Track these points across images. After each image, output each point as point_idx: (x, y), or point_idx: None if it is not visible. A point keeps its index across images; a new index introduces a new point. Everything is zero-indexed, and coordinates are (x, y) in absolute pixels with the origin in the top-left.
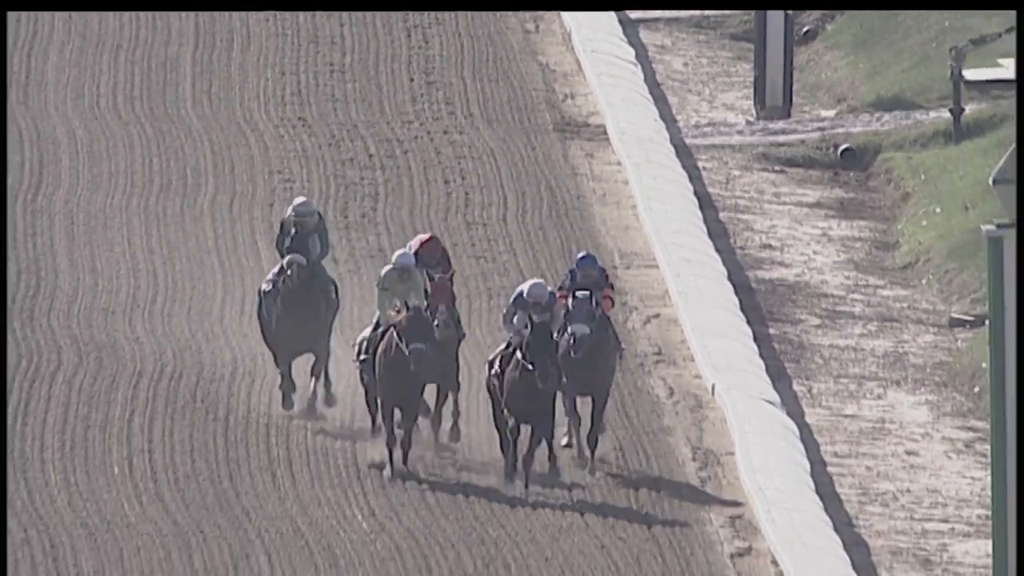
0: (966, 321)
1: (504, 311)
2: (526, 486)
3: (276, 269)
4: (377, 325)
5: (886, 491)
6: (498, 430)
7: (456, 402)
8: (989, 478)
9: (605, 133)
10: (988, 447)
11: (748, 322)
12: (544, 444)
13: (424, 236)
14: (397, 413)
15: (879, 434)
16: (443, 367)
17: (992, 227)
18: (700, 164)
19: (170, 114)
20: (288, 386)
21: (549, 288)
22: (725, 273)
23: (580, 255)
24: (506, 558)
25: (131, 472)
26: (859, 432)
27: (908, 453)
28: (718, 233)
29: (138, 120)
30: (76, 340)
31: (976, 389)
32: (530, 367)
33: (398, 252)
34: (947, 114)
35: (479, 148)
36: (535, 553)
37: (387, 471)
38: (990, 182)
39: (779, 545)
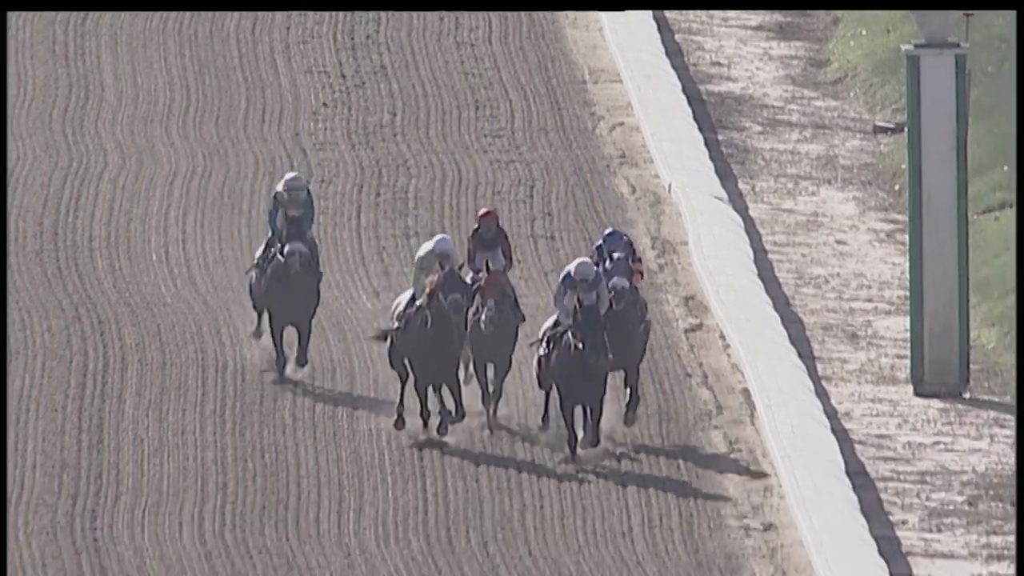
0: (888, 128)
1: (554, 291)
2: (572, 458)
3: (265, 243)
4: (412, 300)
5: (818, 275)
6: (545, 406)
7: (502, 382)
8: (907, 264)
9: None
10: (907, 237)
11: (700, 129)
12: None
13: (483, 211)
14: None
15: (813, 226)
16: (498, 350)
17: (910, 47)
18: None
19: None
20: (282, 359)
21: (595, 268)
22: (680, 87)
23: (608, 231)
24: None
25: (167, 259)
26: (795, 224)
27: (838, 242)
28: (674, 52)
29: None
30: (120, 145)
31: (896, 187)
32: (580, 346)
33: (438, 236)
34: None
35: None
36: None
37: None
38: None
39: (726, 321)
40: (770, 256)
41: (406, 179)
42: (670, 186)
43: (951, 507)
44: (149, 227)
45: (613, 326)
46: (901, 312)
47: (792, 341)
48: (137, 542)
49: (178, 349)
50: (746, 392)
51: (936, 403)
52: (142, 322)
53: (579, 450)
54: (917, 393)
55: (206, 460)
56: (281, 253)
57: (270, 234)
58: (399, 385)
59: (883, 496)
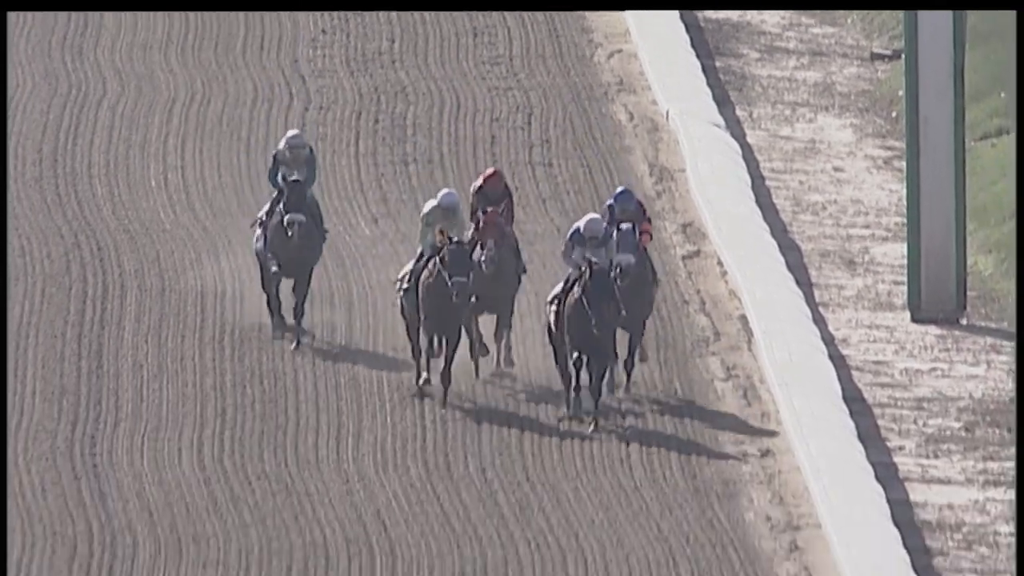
0: (885, 55)
1: (563, 247)
2: (590, 411)
3: (269, 203)
4: (419, 258)
5: (816, 202)
6: (557, 362)
7: (508, 335)
8: (904, 190)
9: None
10: (904, 163)
11: (697, 56)
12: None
13: (489, 171)
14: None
15: (810, 153)
16: (498, 298)
17: None
18: None
19: None
20: (277, 304)
21: (604, 223)
22: (677, 13)
23: (619, 190)
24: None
25: (166, 185)
26: (793, 151)
27: (835, 169)
28: None
29: None
30: (119, 72)
31: (893, 114)
32: (587, 310)
33: (444, 191)
34: None
35: None
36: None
37: (426, 395)
38: None
39: (723, 248)
40: (768, 183)
41: (404, 106)
42: (668, 113)
43: (948, 433)
44: (148, 154)
45: (621, 290)
46: (898, 239)
47: (789, 268)
48: (136, 467)
49: (177, 275)
50: (744, 319)
51: (933, 329)
52: (141, 249)
53: (579, 412)
54: (914, 319)
55: (205, 386)
56: (282, 221)
57: (275, 192)
58: (411, 344)
59: (880, 422)
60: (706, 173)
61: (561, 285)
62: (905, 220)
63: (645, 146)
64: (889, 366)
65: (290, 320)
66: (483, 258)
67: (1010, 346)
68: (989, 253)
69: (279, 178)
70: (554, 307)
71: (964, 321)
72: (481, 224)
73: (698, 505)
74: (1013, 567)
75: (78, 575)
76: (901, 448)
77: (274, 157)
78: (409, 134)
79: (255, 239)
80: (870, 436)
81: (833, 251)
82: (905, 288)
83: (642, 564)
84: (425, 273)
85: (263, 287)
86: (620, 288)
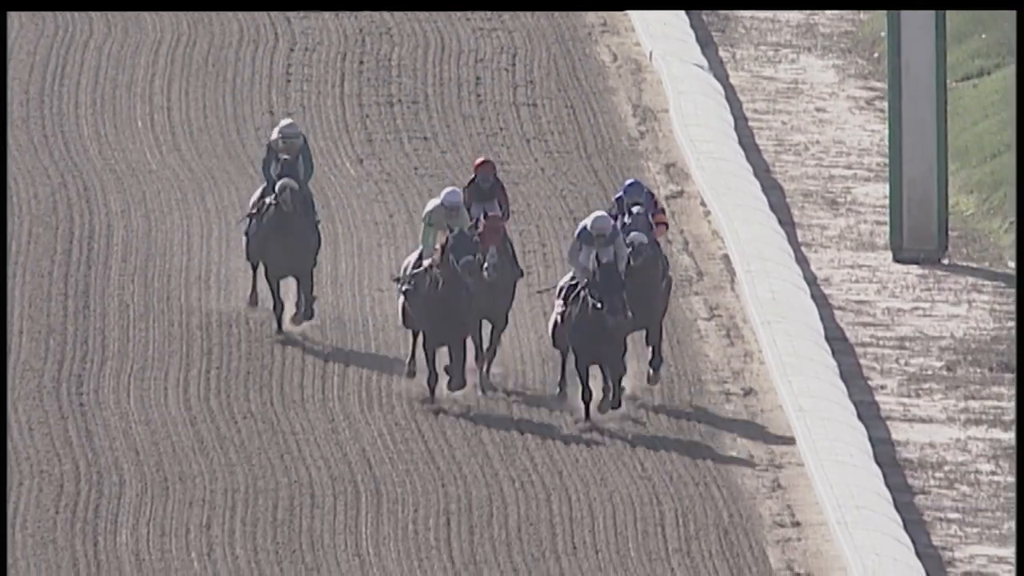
0: None
1: (569, 246)
2: (586, 418)
3: (260, 191)
4: (420, 258)
5: (798, 142)
6: (562, 365)
7: (498, 340)
8: (886, 130)
9: None
10: (886, 104)
11: None
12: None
13: (479, 160)
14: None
15: (792, 93)
16: (495, 305)
17: None
18: None
19: None
20: (280, 307)
21: (612, 222)
22: None
23: (628, 182)
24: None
25: (152, 126)
26: (775, 91)
27: (817, 110)
28: None
29: None
30: (104, 12)
31: (876, 55)
32: (599, 305)
33: (447, 189)
34: None
35: None
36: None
37: (433, 405)
38: None
39: (706, 189)
40: (750, 123)
41: (389, 47)
42: (651, 54)
43: (929, 372)
44: (134, 94)
45: (633, 283)
46: (880, 179)
47: (772, 208)
48: (123, 407)
49: (163, 216)
50: (726, 258)
51: (915, 269)
52: (127, 189)
53: (596, 412)
54: (896, 259)
55: (191, 326)
56: (275, 202)
57: (264, 184)
58: (410, 340)
59: (862, 361)
60: (689, 114)
61: (568, 276)
62: (887, 160)
63: (629, 87)
64: (871, 306)
65: (291, 322)
66: (486, 265)
67: (991, 285)
68: (970, 193)
69: (271, 169)
70: (559, 307)
71: (946, 261)
72: (482, 231)
73: (681, 443)
74: (994, 505)
75: (65, 513)
76: (883, 387)
77: (268, 147)
78: (394, 75)
79: (245, 230)
80: (852, 375)
81: (815, 191)
82: (887, 228)
83: (626, 502)
84: (427, 280)
85: (265, 278)
86: (634, 272)
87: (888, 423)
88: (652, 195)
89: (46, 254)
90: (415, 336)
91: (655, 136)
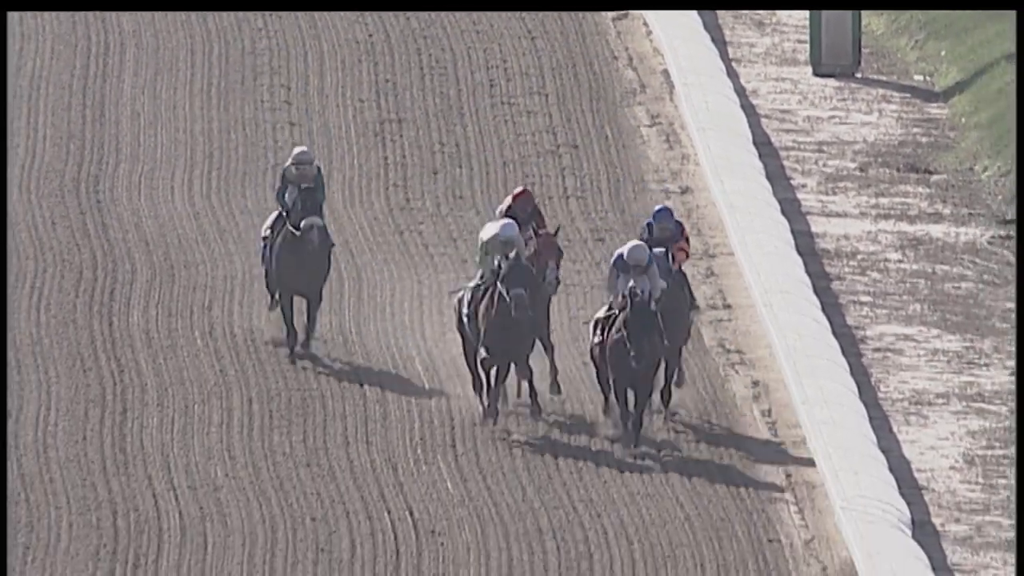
0: None
1: (607, 276)
2: (635, 445)
3: (274, 216)
4: (482, 280)
5: None
6: (603, 392)
7: (552, 361)
8: None
9: None
10: None
11: None
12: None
13: (517, 190)
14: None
15: None
16: (543, 323)
17: None
18: None
19: None
20: (293, 334)
21: (648, 252)
22: None
23: (657, 208)
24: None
25: None
26: None
27: None
28: None
29: None
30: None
31: None
32: (627, 344)
33: (503, 222)
34: None
35: None
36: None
37: (489, 421)
38: None
39: (648, 11)
40: None
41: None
42: None
43: (844, 172)
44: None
45: (659, 313)
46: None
47: (706, 27)
48: (134, 203)
49: (170, 33)
50: (666, 73)
51: (832, 82)
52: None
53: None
54: (815, 73)
55: (194, 132)
56: (296, 228)
57: (277, 211)
58: (473, 378)
59: (785, 163)
60: None
61: (605, 309)
62: None
63: None
64: (793, 114)
65: (301, 337)
66: (547, 279)
67: (899, 96)
68: (881, 15)
69: (286, 196)
70: (597, 338)
71: (859, 75)
72: (539, 246)
73: (624, 233)
74: (901, 290)
75: (83, 297)
76: (803, 186)
77: (282, 175)
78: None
79: (262, 254)
80: (776, 175)
81: (744, 13)
82: (807, 46)
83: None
84: (485, 302)
85: (273, 302)
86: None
87: (808, 217)
88: (680, 223)
89: (67, 69)
90: (473, 368)
91: None
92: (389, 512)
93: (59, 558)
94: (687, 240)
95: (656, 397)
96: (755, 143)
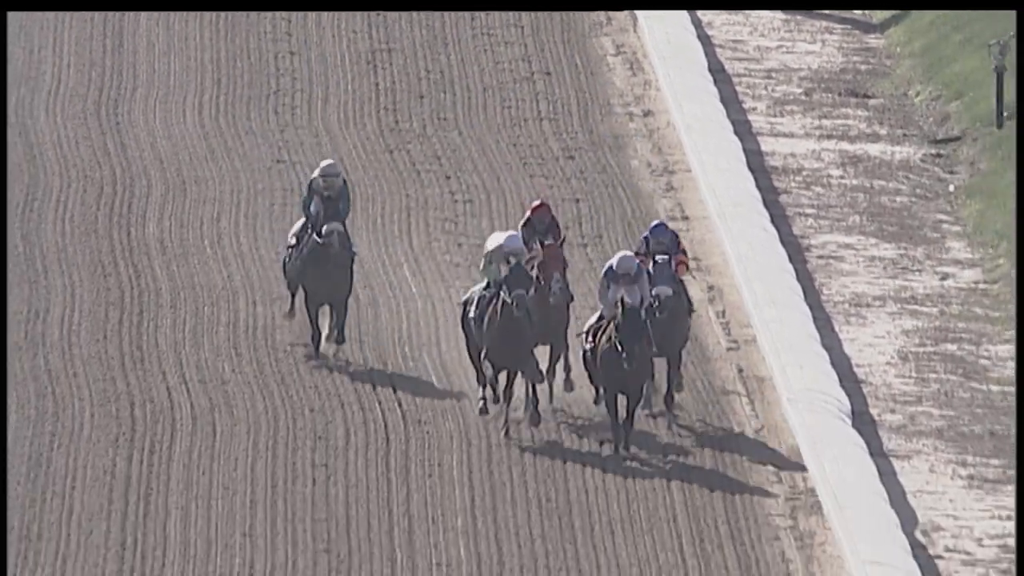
0: None
1: (599, 287)
2: (627, 448)
3: (299, 224)
4: (487, 286)
5: None
6: (596, 395)
7: (567, 358)
8: None
9: None
10: None
11: None
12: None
13: (536, 203)
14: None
15: None
16: (554, 328)
17: None
18: None
19: None
20: (317, 335)
21: (636, 260)
22: None
23: (654, 223)
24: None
25: None
26: None
27: None
28: None
29: None
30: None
31: None
32: (619, 349)
33: (508, 233)
34: None
35: None
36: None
37: (501, 422)
38: None
39: None
40: None
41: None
42: None
43: (791, 97)
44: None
45: (659, 321)
46: None
47: None
48: (150, 125)
49: None
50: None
51: (779, 14)
52: None
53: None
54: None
55: (204, 60)
56: (318, 234)
57: (302, 220)
58: (476, 373)
59: (737, 89)
60: None
61: (596, 316)
62: None
63: None
64: (744, 44)
65: (330, 343)
66: (552, 291)
67: (840, 28)
68: None
69: (311, 207)
70: (588, 344)
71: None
72: (544, 258)
73: (595, 157)
74: (842, 203)
75: (104, 209)
76: (754, 109)
77: (309, 186)
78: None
79: (283, 260)
80: (730, 100)
81: None
82: None
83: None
84: (491, 308)
85: (302, 304)
86: (658, 319)
87: (758, 137)
88: (676, 235)
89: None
90: (479, 369)
91: None
92: (380, 403)
93: (82, 445)
94: (684, 252)
95: (659, 400)
96: (710, 70)
